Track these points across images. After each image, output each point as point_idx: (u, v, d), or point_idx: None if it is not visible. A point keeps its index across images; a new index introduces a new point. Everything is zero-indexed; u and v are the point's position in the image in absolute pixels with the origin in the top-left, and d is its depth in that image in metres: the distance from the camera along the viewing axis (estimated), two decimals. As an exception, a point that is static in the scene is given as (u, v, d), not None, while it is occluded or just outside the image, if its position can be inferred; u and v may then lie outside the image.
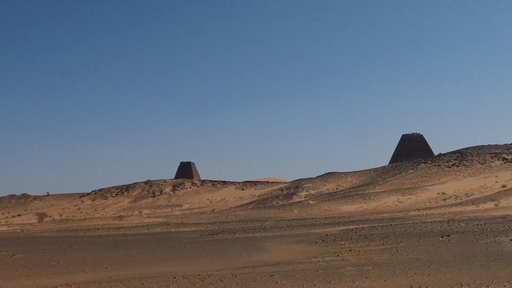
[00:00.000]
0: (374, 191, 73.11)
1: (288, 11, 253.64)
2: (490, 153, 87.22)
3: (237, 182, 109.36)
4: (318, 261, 19.86)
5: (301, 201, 72.12)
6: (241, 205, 78.84)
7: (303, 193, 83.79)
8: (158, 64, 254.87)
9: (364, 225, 35.13)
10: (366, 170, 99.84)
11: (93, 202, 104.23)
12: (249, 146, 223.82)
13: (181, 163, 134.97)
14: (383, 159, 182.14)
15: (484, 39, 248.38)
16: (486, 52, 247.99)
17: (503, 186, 62.22)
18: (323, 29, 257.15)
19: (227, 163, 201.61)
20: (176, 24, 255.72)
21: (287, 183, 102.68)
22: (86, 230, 44.62)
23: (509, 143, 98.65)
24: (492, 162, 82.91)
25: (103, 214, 79.90)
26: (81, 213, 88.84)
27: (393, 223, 35.28)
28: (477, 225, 29.88)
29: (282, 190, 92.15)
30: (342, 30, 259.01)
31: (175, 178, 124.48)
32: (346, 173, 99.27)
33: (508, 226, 28.04)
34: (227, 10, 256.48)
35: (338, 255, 21.01)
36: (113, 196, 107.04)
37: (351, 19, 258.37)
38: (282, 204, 72.01)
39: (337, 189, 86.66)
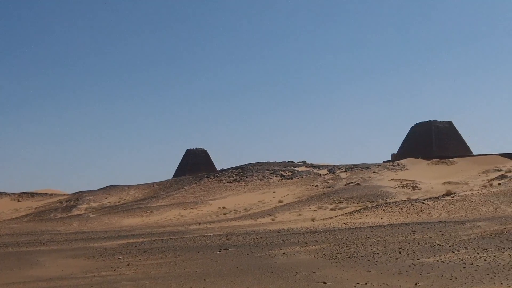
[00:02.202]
0: (157, 204, 73.05)
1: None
2: (269, 170, 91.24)
3: (12, 193, 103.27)
4: (94, 276, 19.25)
5: (81, 214, 69.92)
6: (16, 218, 74.53)
7: (84, 206, 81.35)
8: None
9: (145, 239, 34.80)
10: (149, 184, 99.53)
11: None
12: (26, 154, 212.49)
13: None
14: (167, 173, 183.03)
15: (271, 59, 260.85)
16: (260, 67, 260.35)
17: (280, 201, 65.25)
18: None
19: (1, 173, 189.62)
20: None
21: (67, 195, 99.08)
22: None
23: (287, 161, 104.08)
24: (271, 178, 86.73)
25: None
26: None
27: (173, 237, 35.34)
28: (254, 238, 30.85)
29: (61, 202, 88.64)
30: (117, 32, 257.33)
31: None
32: (129, 186, 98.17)
33: (282, 240, 29.27)
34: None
35: (115, 270, 20.51)
36: None
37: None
38: (60, 217, 69.26)
39: (119, 202, 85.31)
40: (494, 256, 18.79)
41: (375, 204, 50.32)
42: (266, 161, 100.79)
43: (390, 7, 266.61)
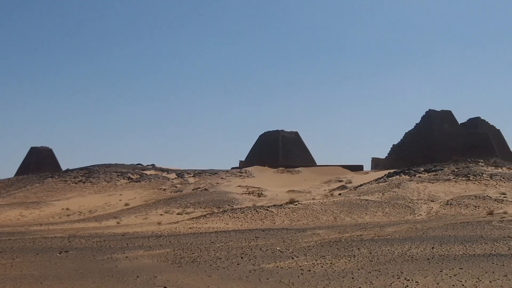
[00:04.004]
0: (-4, 203, 69.61)
1: None
2: (117, 172, 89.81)
3: None
4: None
5: None
6: None
7: None
8: None
9: (-20, 240, 32.96)
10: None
11: None
12: None
13: None
14: (9, 171, 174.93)
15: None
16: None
17: (126, 204, 64.30)
18: None
19: None
20: None
21: None
22: None
23: (135, 163, 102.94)
24: (118, 180, 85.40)
25: None
26: None
27: (12, 238, 33.73)
28: (97, 241, 30.16)
29: None
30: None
31: None
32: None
33: (126, 243, 28.83)
34: None
35: None
36: None
37: None
38: None
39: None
40: (331, 263, 19.60)
41: (221, 210, 50.89)
42: (114, 163, 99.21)
43: (238, 17, 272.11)
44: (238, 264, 20.08)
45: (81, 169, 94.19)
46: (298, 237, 29.30)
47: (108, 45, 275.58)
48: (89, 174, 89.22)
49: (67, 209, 63.39)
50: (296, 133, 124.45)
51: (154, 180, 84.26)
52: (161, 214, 52.37)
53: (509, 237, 25.27)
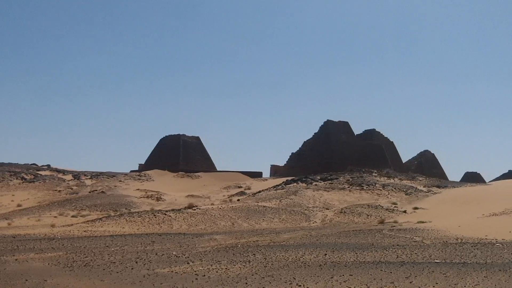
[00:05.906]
0: None
1: None
2: (10, 172, 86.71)
3: None
4: None
5: None
6: None
7: None
8: None
9: None
10: None
11: None
12: None
13: None
14: None
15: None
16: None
17: (19, 205, 62.16)
18: None
19: None
20: None
21: None
22: None
23: (30, 163, 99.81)
24: (11, 180, 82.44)
25: None
26: None
27: None
28: (-15, 243, 29.04)
29: None
30: None
31: None
32: None
33: (17, 245, 27.89)
34: None
35: None
36: None
37: None
38: None
39: None
40: (226, 268, 19.72)
41: (118, 213, 50.12)
42: (7, 162, 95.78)
43: (144, 16, 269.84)
44: (132, 268, 19.85)
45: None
46: (195, 242, 29.29)
47: (7, 40, 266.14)
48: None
49: None
50: (198, 138, 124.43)
51: (49, 181, 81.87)
52: (55, 216, 50.94)
53: (398, 245, 26.24)
